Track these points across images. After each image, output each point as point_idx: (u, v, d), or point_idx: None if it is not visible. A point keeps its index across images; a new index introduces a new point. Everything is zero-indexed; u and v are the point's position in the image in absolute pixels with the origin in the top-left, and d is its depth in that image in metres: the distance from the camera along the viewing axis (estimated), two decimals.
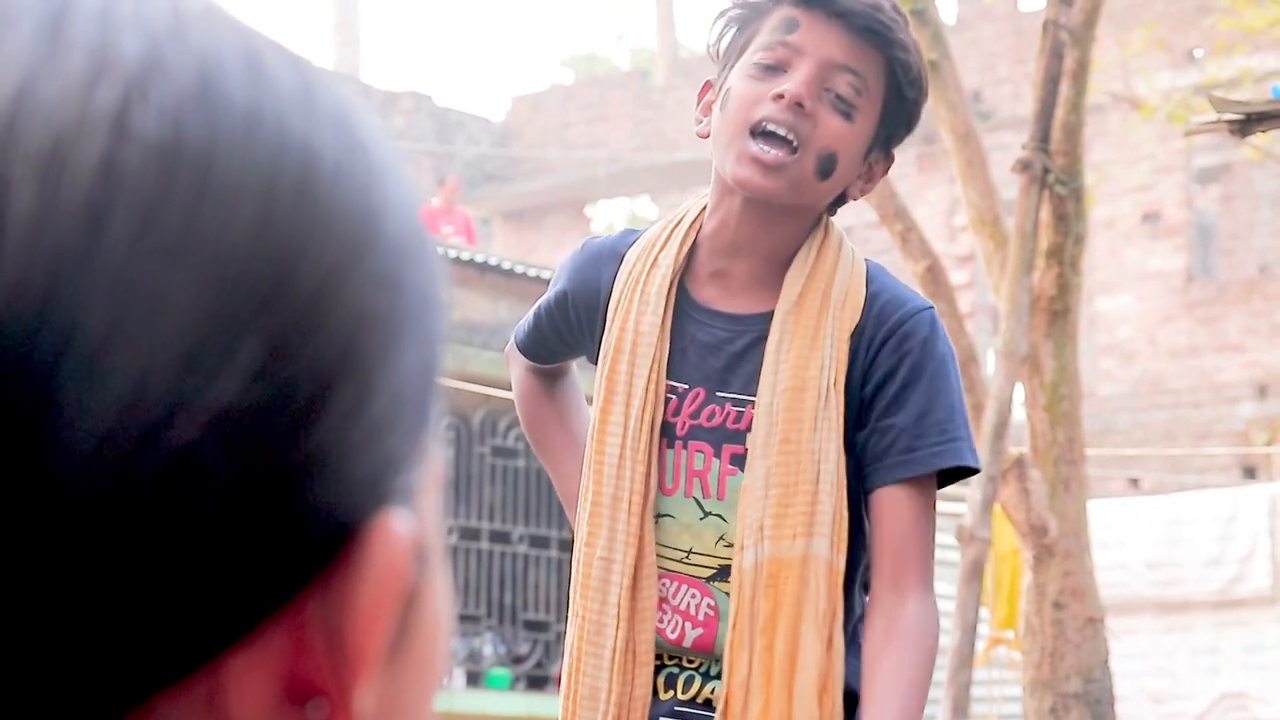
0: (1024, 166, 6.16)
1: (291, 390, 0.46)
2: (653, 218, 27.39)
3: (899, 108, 2.27)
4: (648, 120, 22.45)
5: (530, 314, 2.49)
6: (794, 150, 2.20)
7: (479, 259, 12.56)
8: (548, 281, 2.51)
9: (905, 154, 19.31)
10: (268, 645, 0.47)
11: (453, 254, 12.25)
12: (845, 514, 2.24)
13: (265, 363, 0.45)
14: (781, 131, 2.20)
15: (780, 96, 2.20)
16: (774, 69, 2.23)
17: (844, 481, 2.24)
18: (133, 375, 0.44)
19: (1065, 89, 6.27)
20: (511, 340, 2.55)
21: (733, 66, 2.27)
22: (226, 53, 0.47)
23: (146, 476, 0.44)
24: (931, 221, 18.39)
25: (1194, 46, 17.85)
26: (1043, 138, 6.20)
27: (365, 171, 0.49)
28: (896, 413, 2.24)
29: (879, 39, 2.23)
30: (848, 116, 2.23)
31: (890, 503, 2.23)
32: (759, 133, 2.21)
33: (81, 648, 0.44)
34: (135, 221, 0.44)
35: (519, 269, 12.68)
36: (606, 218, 31.57)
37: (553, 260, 17.99)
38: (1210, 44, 16.19)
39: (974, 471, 2.31)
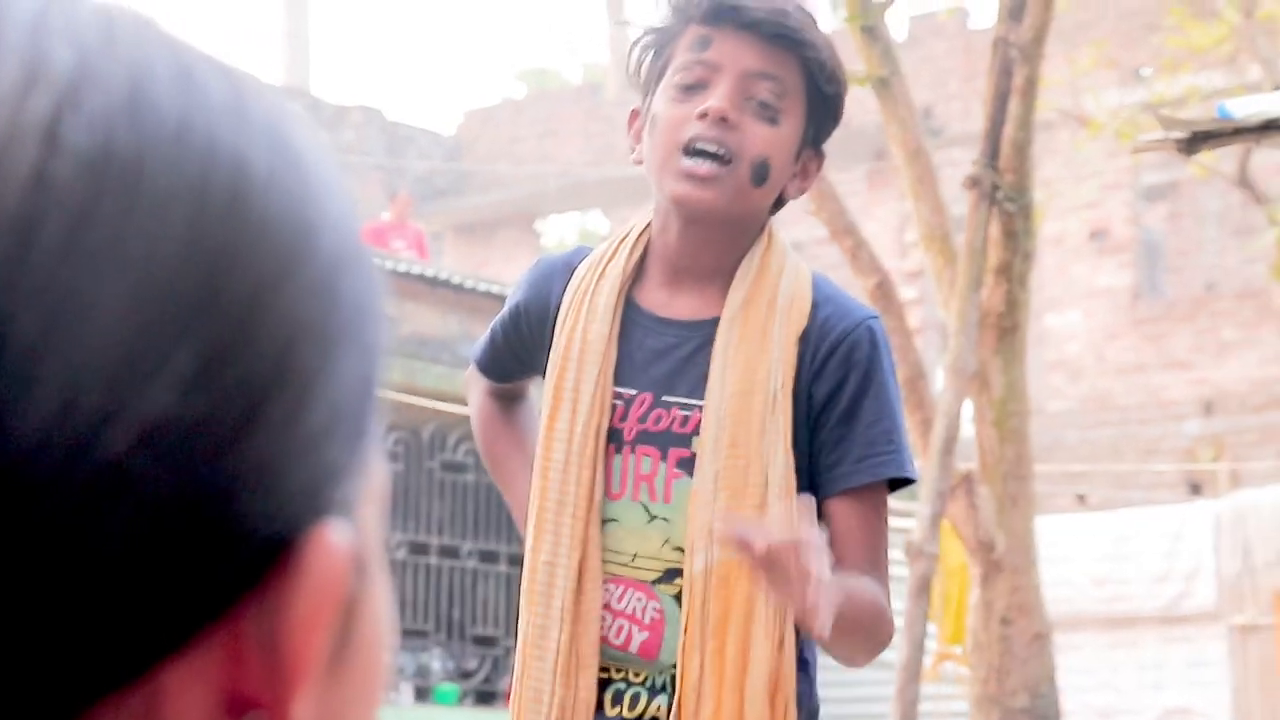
0: (973, 183, 6.19)
1: (225, 401, 0.46)
2: (604, 232, 27.37)
3: (821, 104, 2.33)
4: (599, 134, 22.46)
5: (487, 331, 2.52)
6: (726, 163, 2.25)
7: (429, 273, 12.53)
8: (499, 296, 2.55)
9: (855, 170, 19.38)
10: (204, 656, 0.47)
11: (403, 268, 12.22)
12: (795, 516, 2.25)
13: (198, 373, 0.45)
14: (712, 148, 2.25)
15: (705, 114, 2.25)
16: (694, 88, 2.28)
17: (793, 484, 2.26)
18: (63, 386, 0.43)
19: (1014, 106, 6.30)
20: (472, 363, 2.57)
21: (654, 91, 2.33)
22: (157, 64, 0.47)
23: (78, 487, 0.44)
24: (881, 237, 18.45)
25: (1142, 64, 17.96)
26: (992, 154, 6.23)
27: (299, 183, 0.49)
28: (847, 423, 2.28)
29: (790, 42, 2.29)
30: (773, 121, 2.28)
31: (844, 509, 2.28)
32: (690, 151, 2.26)
33: (12, 658, 0.44)
34: (65, 232, 0.44)
35: (469, 283, 12.64)
36: (557, 232, 31.53)
37: (504, 275, 17.96)
38: (1158, 62, 16.29)
39: (913, 482, 2.36)
